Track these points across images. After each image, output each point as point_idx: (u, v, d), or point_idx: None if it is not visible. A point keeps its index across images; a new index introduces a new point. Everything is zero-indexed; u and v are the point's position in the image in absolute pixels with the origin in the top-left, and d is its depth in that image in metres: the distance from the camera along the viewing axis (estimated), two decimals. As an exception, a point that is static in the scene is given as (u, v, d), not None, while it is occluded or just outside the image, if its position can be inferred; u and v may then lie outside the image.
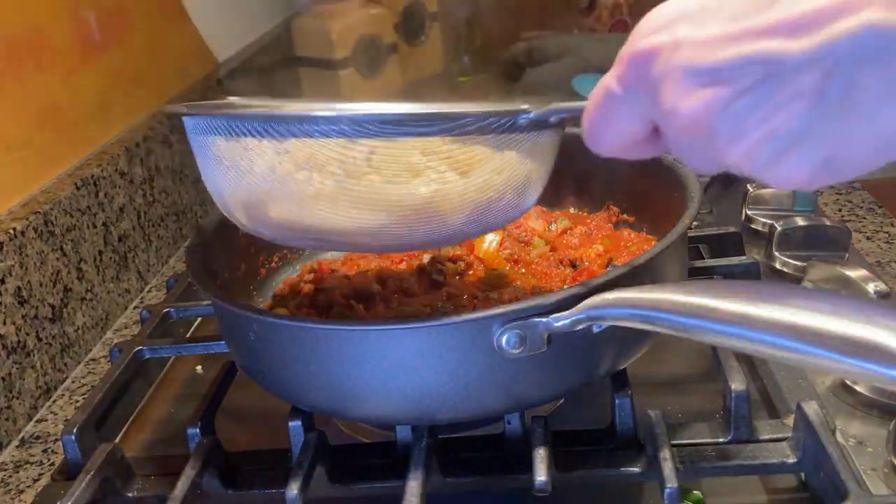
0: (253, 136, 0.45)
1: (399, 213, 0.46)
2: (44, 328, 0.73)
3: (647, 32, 0.37)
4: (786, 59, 0.32)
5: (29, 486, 0.61)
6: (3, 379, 0.67)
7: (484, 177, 0.46)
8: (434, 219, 0.46)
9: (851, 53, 0.31)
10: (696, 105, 0.35)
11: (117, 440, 0.65)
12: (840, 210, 0.88)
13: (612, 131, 0.41)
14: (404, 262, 0.66)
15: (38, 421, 0.70)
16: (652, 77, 0.37)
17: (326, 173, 0.44)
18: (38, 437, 0.68)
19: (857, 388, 0.58)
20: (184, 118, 0.49)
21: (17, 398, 0.69)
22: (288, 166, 0.45)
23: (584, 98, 0.43)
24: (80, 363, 0.78)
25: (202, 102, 0.51)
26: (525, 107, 0.46)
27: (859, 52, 0.31)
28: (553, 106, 0.46)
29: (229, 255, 0.66)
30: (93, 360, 0.79)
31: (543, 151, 0.49)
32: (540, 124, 0.47)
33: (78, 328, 0.79)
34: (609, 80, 0.40)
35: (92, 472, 0.54)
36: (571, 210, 0.73)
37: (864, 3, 0.30)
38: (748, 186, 0.84)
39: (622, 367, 0.54)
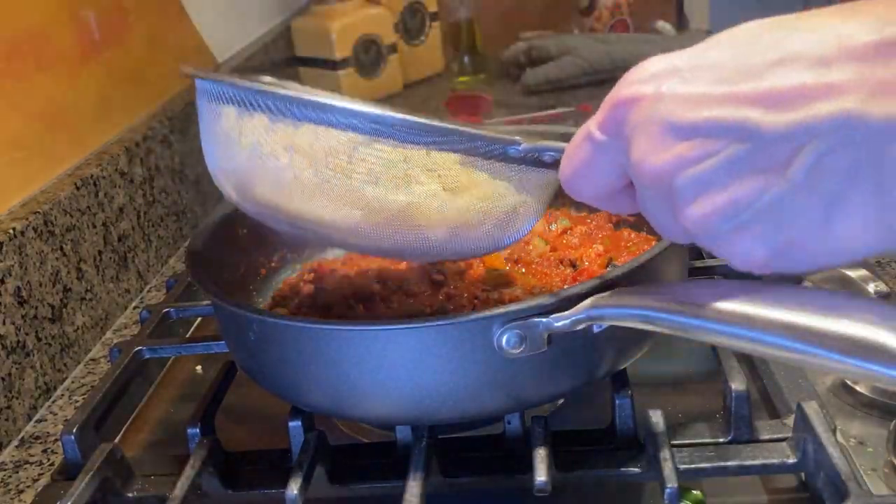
0: (249, 108, 0.46)
1: (372, 216, 0.46)
2: (43, 328, 0.73)
3: (633, 81, 0.37)
4: (762, 131, 0.32)
5: (29, 486, 0.61)
6: (3, 379, 0.67)
7: (467, 200, 0.46)
8: (407, 230, 0.46)
9: (825, 137, 0.31)
10: (664, 159, 0.35)
11: (117, 440, 0.65)
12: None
13: (589, 178, 0.41)
14: (404, 262, 0.66)
15: (38, 421, 0.70)
16: (630, 125, 0.36)
17: (307, 161, 0.45)
18: (37, 437, 0.68)
19: (858, 388, 0.58)
20: (196, 80, 0.50)
21: (17, 398, 0.69)
22: (273, 146, 0.45)
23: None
24: (79, 363, 0.78)
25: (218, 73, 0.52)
26: (518, 138, 0.46)
27: (832, 138, 0.31)
28: (542, 143, 0.46)
29: (229, 256, 0.66)
30: (92, 360, 0.79)
31: (536, 189, 0.48)
32: (531, 160, 0.47)
33: (78, 328, 0.79)
34: (591, 124, 0.39)
35: (92, 472, 0.54)
36: (571, 210, 0.73)
37: (848, 89, 0.30)
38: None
39: (622, 367, 0.54)
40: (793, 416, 0.53)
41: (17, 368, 0.69)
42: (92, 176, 0.84)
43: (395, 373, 0.49)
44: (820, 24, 0.32)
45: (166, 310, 0.75)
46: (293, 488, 0.49)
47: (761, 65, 0.32)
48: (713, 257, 0.70)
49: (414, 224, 0.46)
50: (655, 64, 0.36)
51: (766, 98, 0.32)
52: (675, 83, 0.35)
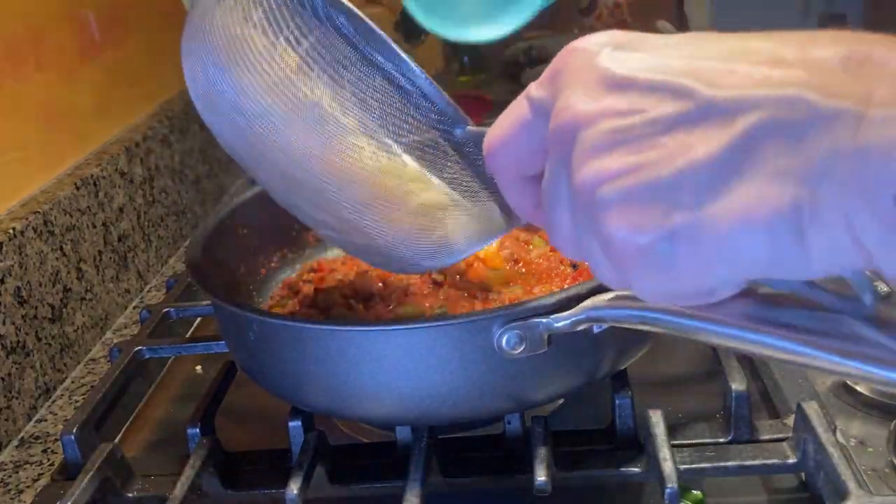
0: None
1: (327, 164, 0.45)
2: (43, 328, 0.73)
3: (580, 40, 0.35)
4: (704, 95, 0.29)
5: (28, 486, 0.61)
6: (3, 379, 0.67)
7: (404, 187, 0.46)
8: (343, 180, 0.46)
9: (767, 109, 0.28)
10: (589, 107, 0.32)
11: (117, 440, 0.65)
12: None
13: (513, 145, 0.38)
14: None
15: (38, 421, 0.70)
16: (566, 74, 0.34)
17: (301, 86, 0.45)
18: (37, 438, 0.68)
19: (858, 388, 0.58)
20: None
21: (17, 398, 0.69)
22: (287, 58, 0.45)
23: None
24: (79, 363, 0.78)
25: None
26: (469, 120, 0.45)
27: (775, 112, 0.28)
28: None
29: (229, 256, 0.66)
30: (92, 360, 0.79)
31: (484, 220, 0.48)
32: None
33: (77, 328, 0.79)
34: (531, 84, 0.37)
35: (91, 472, 0.54)
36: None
37: (802, 83, 0.27)
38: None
39: (622, 368, 0.54)
40: (793, 416, 0.53)
41: (16, 368, 0.69)
42: (92, 176, 0.84)
43: (395, 373, 0.49)
44: (787, 37, 0.30)
45: (166, 310, 0.75)
46: (293, 488, 0.49)
47: (716, 53, 0.30)
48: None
49: (351, 178, 0.46)
50: (609, 33, 0.35)
51: (714, 74, 0.30)
52: (623, 48, 0.33)
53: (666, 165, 0.30)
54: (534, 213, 0.40)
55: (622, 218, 0.31)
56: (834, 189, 0.27)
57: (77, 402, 0.72)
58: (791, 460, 0.51)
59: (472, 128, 0.45)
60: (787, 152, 0.27)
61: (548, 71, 0.36)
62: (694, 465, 0.51)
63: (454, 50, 1.53)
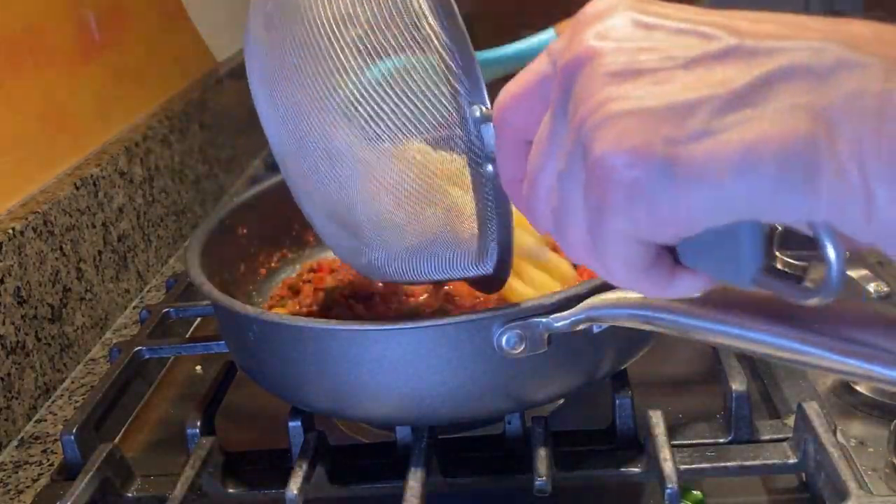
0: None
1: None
2: (43, 328, 0.73)
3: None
4: (723, 40, 0.28)
5: (28, 487, 0.61)
6: (3, 379, 0.67)
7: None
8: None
9: (797, 53, 0.27)
10: (602, 42, 0.31)
11: (117, 440, 0.65)
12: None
13: (527, 102, 0.36)
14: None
15: (38, 421, 0.70)
16: (586, 24, 0.32)
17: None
18: (37, 438, 0.68)
19: (858, 388, 0.58)
20: None
21: (17, 398, 0.69)
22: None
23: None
24: (79, 363, 0.78)
25: None
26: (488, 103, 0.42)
27: (799, 64, 0.27)
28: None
29: (229, 256, 0.66)
30: (92, 360, 0.79)
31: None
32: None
33: (77, 328, 0.78)
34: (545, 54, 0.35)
35: (91, 473, 0.54)
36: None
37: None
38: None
39: (622, 368, 0.54)
40: (793, 416, 0.52)
41: (16, 368, 0.69)
42: (91, 176, 0.84)
43: (395, 373, 0.49)
44: (814, 17, 0.30)
45: (166, 310, 0.75)
46: (293, 488, 0.49)
47: (742, 17, 0.30)
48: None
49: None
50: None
51: (742, 27, 0.29)
52: (649, 2, 0.32)
53: (678, 94, 0.28)
54: (519, 192, 0.38)
55: (618, 141, 0.29)
56: (853, 125, 0.26)
57: (77, 402, 0.72)
58: (791, 460, 0.51)
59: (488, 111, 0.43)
60: (809, 90, 0.26)
61: (571, 24, 0.33)
62: (694, 466, 0.51)
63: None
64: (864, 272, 0.65)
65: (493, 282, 0.49)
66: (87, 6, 0.92)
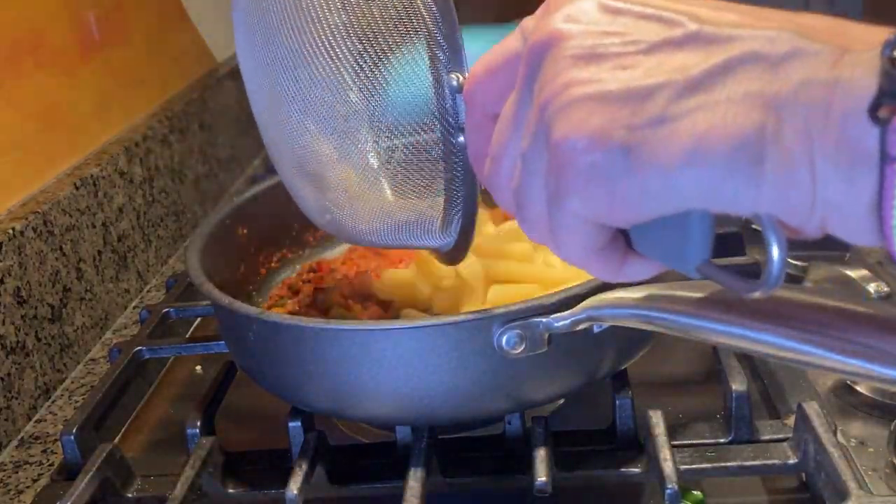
0: None
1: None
2: (43, 328, 0.73)
3: None
4: (685, 26, 0.29)
5: (28, 487, 0.61)
6: (3, 379, 0.67)
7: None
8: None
9: (747, 50, 0.28)
10: (569, 25, 0.31)
11: (117, 440, 0.65)
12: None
13: (497, 76, 0.36)
14: (404, 262, 0.66)
15: (38, 421, 0.70)
16: (556, 4, 0.33)
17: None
18: (37, 438, 0.68)
19: (859, 388, 0.58)
20: None
21: (17, 398, 0.69)
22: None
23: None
24: (79, 363, 0.78)
25: None
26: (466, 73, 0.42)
27: (754, 53, 0.28)
28: None
29: (229, 255, 0.66)
30: (92, 360, 0.79)
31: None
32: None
33: (77, 328, 0.78)
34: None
35: (91, 473, 0.54)
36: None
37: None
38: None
39: (622, 368, 0.54)
40: (793, 416, 0.52)
41: (16, 368, 0.69)
42: (91, 176, 0.84)
43: (395, 373, 0.49)
44: (775, 10, 0.31)
45: (166, 310, 0.75)
46: (293, 488, 0.49)
47: (706, 5, 0.31)
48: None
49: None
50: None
51: (705, 14, 0.30)
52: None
53: (639, 79, 0.29)
54: (483, 166, 0.38)
55: (579, 125, 0.30)
56: (801, 112, 0.26)
57: (77, 402, 0.72)
58: (791, 461, 0.51)
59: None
60: (762, 78, 0.27)
61: (543, 3, 0.35)
62: (694, 466, 0.51)
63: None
64: (864, 272, 0.65)
65: (455, 253, 0.49)
66: (87, 6, 0.92)
